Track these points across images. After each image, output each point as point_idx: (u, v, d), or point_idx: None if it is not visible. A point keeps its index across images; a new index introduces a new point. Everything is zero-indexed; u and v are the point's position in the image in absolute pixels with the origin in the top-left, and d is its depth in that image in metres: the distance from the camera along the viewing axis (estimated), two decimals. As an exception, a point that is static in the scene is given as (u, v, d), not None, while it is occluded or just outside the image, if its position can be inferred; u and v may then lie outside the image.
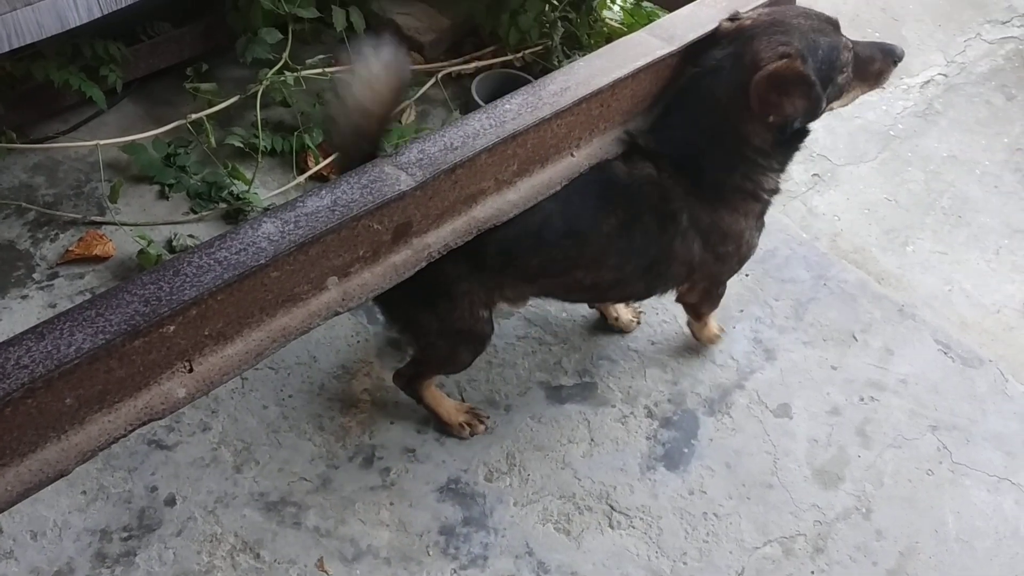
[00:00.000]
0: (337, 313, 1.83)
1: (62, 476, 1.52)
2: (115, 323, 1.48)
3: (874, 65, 2.15)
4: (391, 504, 2.32)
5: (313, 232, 1.68)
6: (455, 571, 2.21)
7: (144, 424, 1.58)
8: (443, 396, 2.46)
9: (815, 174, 3.46)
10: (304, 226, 1.68)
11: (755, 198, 2.18)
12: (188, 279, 1.56)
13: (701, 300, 2.49)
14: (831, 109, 2.13)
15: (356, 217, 1.74)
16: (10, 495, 1.49)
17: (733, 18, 2.14)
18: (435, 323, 2.18)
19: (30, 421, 1.45)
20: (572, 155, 2.11)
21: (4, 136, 2.86)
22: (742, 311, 2.86)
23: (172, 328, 1.56)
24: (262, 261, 1.62)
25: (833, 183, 3.44)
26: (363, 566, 2.20)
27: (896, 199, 3.36)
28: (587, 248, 2.13)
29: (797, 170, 3.50)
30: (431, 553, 2.23)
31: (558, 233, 2.08)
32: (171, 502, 2.26)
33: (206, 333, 1.63)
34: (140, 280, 1.55)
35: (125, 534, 2.19)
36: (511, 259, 2.10)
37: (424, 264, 1.94)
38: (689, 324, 2.67)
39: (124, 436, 1.57)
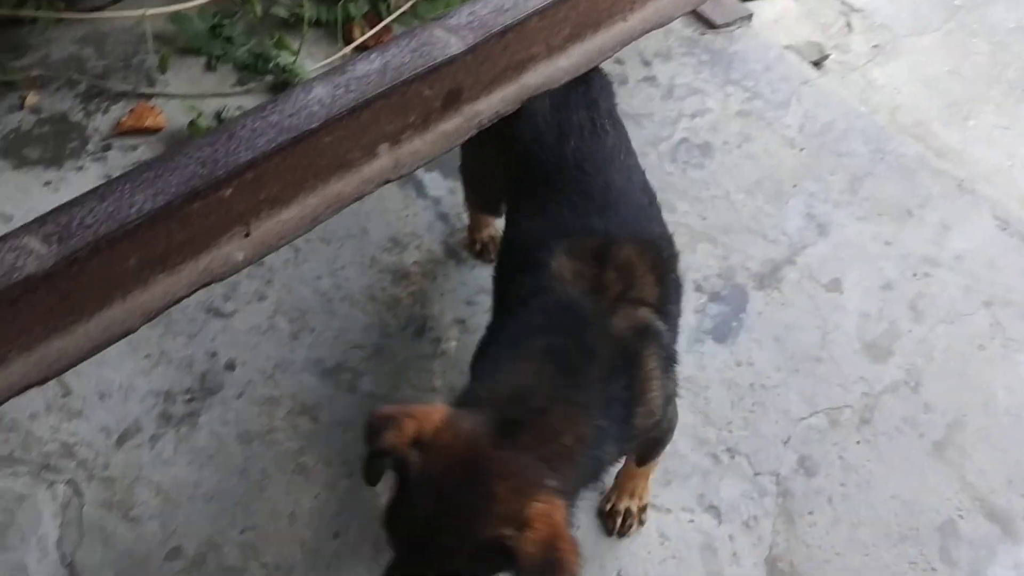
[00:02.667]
0: (389, 180, 1.83)
1: (129, 333, 1.58)
2: (174, 185, 1.50)
3: None
4: (442, 372, 2.37)
5: (364, 96, 1.68)
6: (505, 436, 2.27)
7: (205, 285, 1.63)
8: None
9: (876, 45, 3.33)
10: (355, 90, 1.68)
11: None
12: (243, 142, 1.57)
13: None
14: None
15: (407, 82, 1.72)
16: (80, 351, 1.55)
17: None
18: None
19: (96, 281, 1.50)
20: (625, 20, 2.05)
21: (52, 6, 2.84)
22: (795, 186, 2.81)
23: (229, 191, 1.58)
24: (314, 125, 1.62)
25: (894, 54, 3.31)
26: (416, 430, 2.26)
27: (959, 71, 3.24)
28: None
29: (857, 41, 3.38)
30: (482, 419, 2.29)
31: None
32: (231, 367, 2.33)
33: (262, 197, 1.65)
34: (196, 143, 1.56)
35: (188, 396, 2.27)
36: None
37: (474, 132, 1.92)
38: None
39: (186, 296, 1.61)
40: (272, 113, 1.61)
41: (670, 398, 1.88)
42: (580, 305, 1.73)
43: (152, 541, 2.07)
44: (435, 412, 1.49)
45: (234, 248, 1.65)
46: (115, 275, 1.52)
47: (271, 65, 2.89)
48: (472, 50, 1.77)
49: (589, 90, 2.07)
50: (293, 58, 2.88)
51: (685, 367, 2.37)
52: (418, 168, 1.88)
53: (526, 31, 1.84)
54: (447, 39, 1.76)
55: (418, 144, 1.85)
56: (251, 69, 2.90)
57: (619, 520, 2.13)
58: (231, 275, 1.66)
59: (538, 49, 1.91)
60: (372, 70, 1.69)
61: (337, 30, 3.00)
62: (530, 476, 1.45)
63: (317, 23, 3.00)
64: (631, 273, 1.79)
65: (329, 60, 2.93)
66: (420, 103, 1.78)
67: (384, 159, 1.81)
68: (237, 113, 2.75)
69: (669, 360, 1.84)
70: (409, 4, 3.06)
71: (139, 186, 1.49)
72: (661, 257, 1.87)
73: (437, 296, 2.51)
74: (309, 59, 2.96)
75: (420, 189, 2.73)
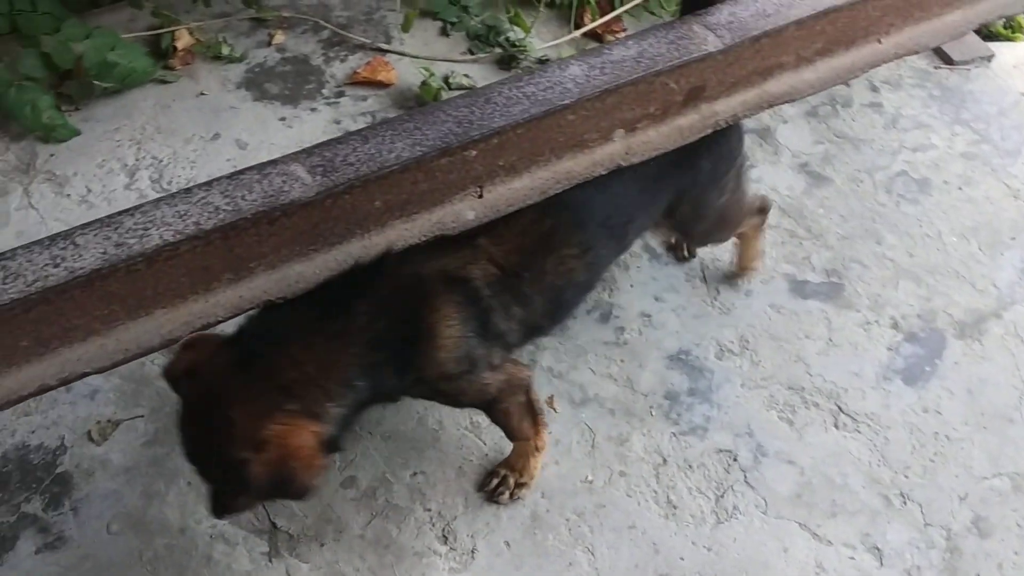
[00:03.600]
0: (619, 166, 1.86)
1: (361, 269, 1.67)
2: (431, 138, 1.58)
3: None
4: (621, 361, 2.40)
5: (615, 81, 1.71)
6: (675, 435, 2.28)
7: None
8: None
9: (1125, 104, 3.12)
10: (608, 73, 1.71)
11: None
12: (498, 108, 1.63)
13: None
14: None
15: (657, 72, 1.74)
16: (315, 277, 1.66)
17: None
18: None
19: (344, 216, 1.60)
20: (880, 42, 2.01)
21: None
22: (1014, 239, 2.68)
23: (474, 153, 1.65)
24: (565, 101, 1.67)
25: None
26: (588, 411, 2.30)
27: None
28: None
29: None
30: (654, 414, 2.31)
31: None
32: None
33: (500, 163, 1.71)
34: (455, 102, 1.64)
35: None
36: None
37: (708, 132, 1.93)
38: None
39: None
40: (528, 84, 1.67)
41: (479, 361, 1.84)
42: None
43: (331, 468, 2.19)
44: (210, 344, 1.65)
45: (466, 207, 1.73)
46: (361, 213, 1.62)
47: (501, 38, 2.98)
48: (726, 50, 1.78)
49: (722, 177, 2.13)
50: (525, 34, 2.96)
51: (868, 403, 2.33)
52: (646, 158, 1.90)
53: (781, 38, 1.84)
54: (705, 35, 1.77)
55: (652, 135, 1.87)
56: (482, 40, 3.00)
57: (494, 482, 2.17)
58: (459, 231, 1.74)
59: (788, 58, 1.90)
60: (628, 56, 1.73)
61: (571, 13, 3.06)
62: (264, 403, 1.58)
63: (551, 4, 3.07)
64: (514, 233, 1.82)
65: (556, 41, 2.99)
66: (663, 95, 1.80)
67: (617, 144, 1.84)
68: (464, 81, 2.86)
69: (485, 325, 1.81)
70: (642, -3, 3.10)
71: (399, 134, 1.58)
72: (561, 258, 1.88)
73: (627, 286, 2.54)
74: (537, 38, 3.03)
75: (624, 180, 2.75)
